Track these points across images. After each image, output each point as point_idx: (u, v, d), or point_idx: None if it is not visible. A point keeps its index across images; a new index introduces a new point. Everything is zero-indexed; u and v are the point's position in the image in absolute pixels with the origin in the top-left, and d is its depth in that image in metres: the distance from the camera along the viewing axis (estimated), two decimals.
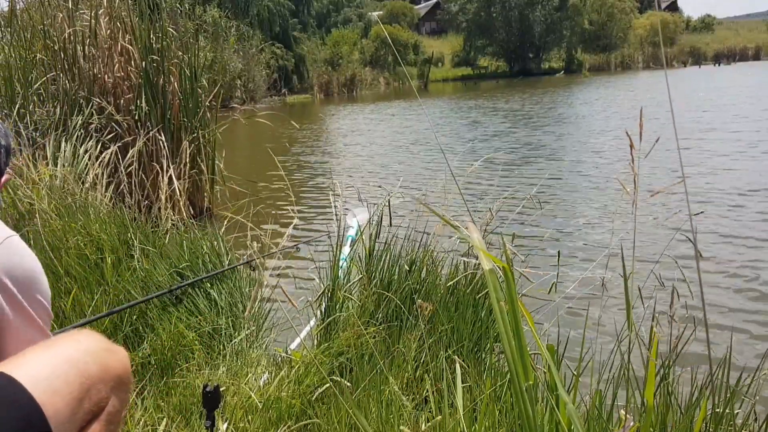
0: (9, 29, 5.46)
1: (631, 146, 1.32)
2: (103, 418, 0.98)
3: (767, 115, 12.23)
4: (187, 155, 5.44)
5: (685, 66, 46.59)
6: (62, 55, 5.31)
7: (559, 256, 3.26)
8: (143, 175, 5.10)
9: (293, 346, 2.40)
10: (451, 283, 2.41)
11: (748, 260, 4.15)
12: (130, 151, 4.99)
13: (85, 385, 0.94)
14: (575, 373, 1.38)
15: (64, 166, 4.11)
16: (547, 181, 7.02)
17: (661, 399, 1.40)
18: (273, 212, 5.07)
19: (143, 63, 5.27)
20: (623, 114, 14.00)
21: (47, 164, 4.05)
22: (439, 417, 1.64)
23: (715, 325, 3.19)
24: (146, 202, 4.92)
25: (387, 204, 2.53)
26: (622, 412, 1.29)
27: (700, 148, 8.64)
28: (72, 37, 5.32)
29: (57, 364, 0.92)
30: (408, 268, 2.44)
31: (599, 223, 5.24)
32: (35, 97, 5.16)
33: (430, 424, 1.68)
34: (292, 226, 3.72)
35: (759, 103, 14.95)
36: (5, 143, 1.15)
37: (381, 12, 47.09)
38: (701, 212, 3.81)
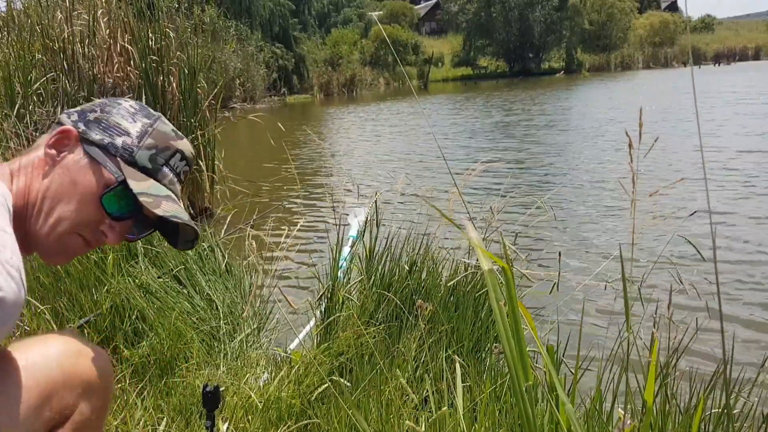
0: (8, 29, 5.45)
1: (630, 146, 1.31)
2: (69, 426, 0.95)
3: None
4: None
5: (684, 66, 46.62)
6: (62, 56, 5.31)
7: (560, 257, 3.25)
8: None
9: (293, 346, 2.39)
10: (451, 283, 2.40)
11: (751, 261, 4.14)
12: None
13: (45, 393, 0.91)
14: (574, 373, 1.38)
15: None
16: (548, 182, 7.01)
17: (661, 399, 1.40)
18: (273, 212, 5.07)
19: (143, 63, 5.27)
20: (622, 113, 14.00)
21: None
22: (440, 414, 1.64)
23: (714, 327, 3.17)
24: None
25: (375, 203, 2.52)
26: (621, 411, 1.29)
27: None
28: (71, 37, 5.32)
29: (12, 372, 0.89)
30: (408, 269, 2.44)
31: (604, 224, 5.23)
32: (35, 97, 5.15)
33: (429, 423, 1.68)
34: (291, 226, 3.72)
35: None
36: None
37: (381, 12, 47.06)
38: (695, 212, 3.82)
